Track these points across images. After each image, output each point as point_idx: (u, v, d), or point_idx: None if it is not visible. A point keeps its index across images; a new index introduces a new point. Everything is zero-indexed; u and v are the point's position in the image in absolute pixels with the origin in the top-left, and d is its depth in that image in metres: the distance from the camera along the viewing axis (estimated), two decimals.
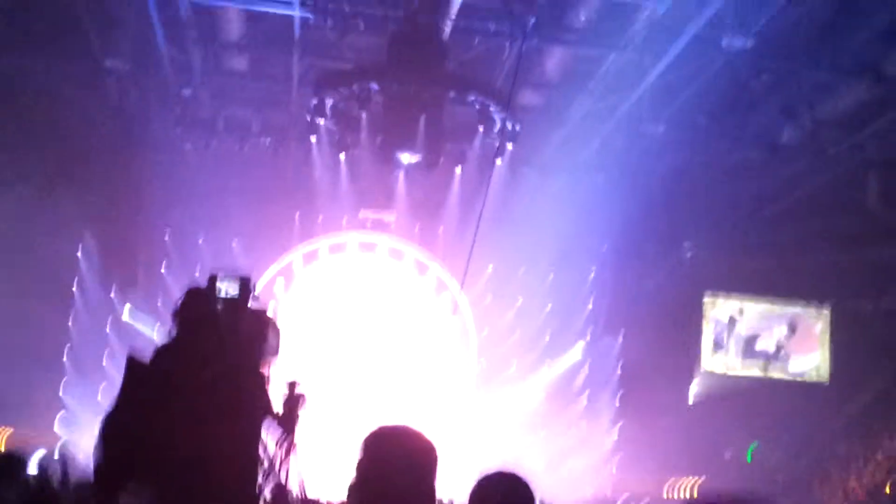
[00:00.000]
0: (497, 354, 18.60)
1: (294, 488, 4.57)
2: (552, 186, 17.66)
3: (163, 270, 17.53)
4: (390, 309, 18.34)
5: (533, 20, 13.36)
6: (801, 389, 19.53)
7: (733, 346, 19.91)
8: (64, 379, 17.12)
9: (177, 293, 4.62)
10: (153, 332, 15.89)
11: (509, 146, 16.05)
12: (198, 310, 4.48)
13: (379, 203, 18.36)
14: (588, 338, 18.91)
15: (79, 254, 17.58)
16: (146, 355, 4.41)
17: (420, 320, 18.45)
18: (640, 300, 17.78)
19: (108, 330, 17.44)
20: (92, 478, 4.31)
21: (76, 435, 15.98)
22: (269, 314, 4.86)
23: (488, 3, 13.72)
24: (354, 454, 2.77)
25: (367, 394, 16.63)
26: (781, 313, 20.01)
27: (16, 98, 15.26)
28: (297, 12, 13.45)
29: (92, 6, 13.78)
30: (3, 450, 13.93)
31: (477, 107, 15.13)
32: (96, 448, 4.17)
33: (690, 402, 19.55)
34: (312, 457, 5.27)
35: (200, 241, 17.71)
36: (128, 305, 17.49)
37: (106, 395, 14.75)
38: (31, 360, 15.72)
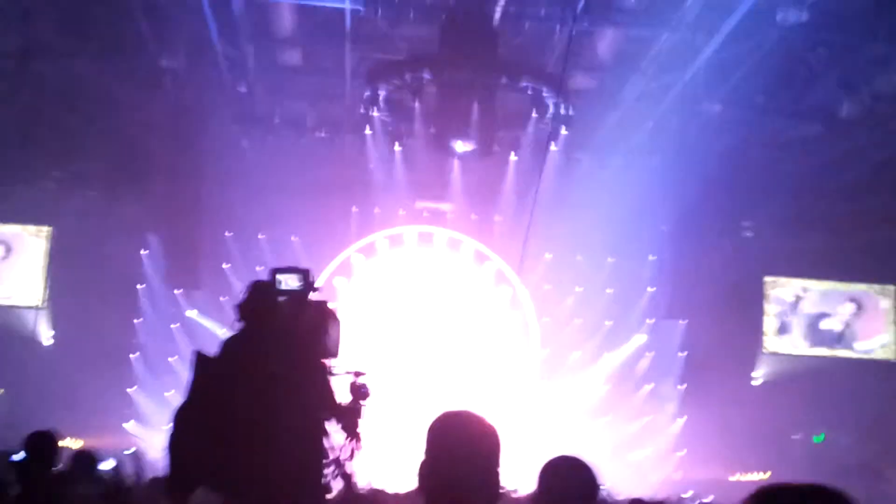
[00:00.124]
0: (558, 343, 18.50)
1: (360, 479, 4.62)
2: (607, 170, 17.51)
3: (225, 267, 17.76)
4: (450, 300, 18.33)
5: (582, 2, 13.26)
6: (869, 368, 19.12)
7: (798, 326, 19.55)
8: (133, 377, 17.45)
9: (239, 289, 4.69)
10: (218, 329, 16.13)
11: (563, 131, 15.97)
12: (261, 302, 4.54)
13: (434, 193, 18.38)
14: (650, 323, 18.72)
15: (143, 254, 17.88)
16: (212, 351, 4.49)
17: (480, 311, 18.42)
18: (701, 283, 17.52)
19: (174, 328, 17.76)
20: (164, 474, 4.39)
21: (147, 432, 16.32)
22: (330, 307, 4.90)
23: None
24: (420, 441, 2.80)
25: (430, 385, 16.63)
26: (845, 292, 19.63)
27: (76, 103, 15.59)
28: (347, 5, 13.52)
29: (146, 7, 13.99)
30: (78, 446, 14.28)
31: (529, 92, 15.08)
32: (169, 445, 4.26)
33: (755, 384, 19.26)
34: (377, 448, 5.31)
35: (260, 238, 17.91)
36: (193, 306, 17.78)
37: (174, 392, 15.01)
38: (100, 361, 15.97)
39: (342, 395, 4.66)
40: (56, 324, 18.00)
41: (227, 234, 17.92)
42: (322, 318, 4.75)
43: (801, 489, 2.01)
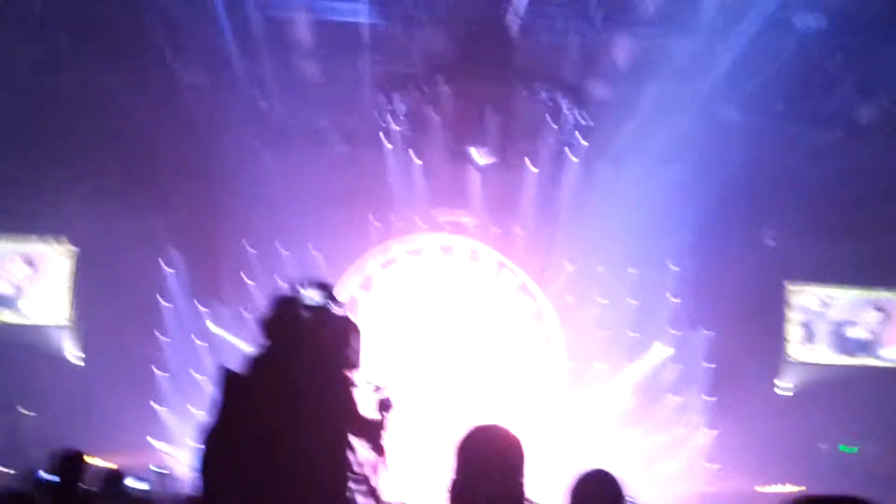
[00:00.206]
0: (583, 354, 18.34)
1: (384, 493, 4.61)
2: (627, 179, 17.43)
3: (245, 279, 17.84)
4: (471, 312, 18.30)
5: (600, 13, 13.28)
6: None
7: (823, 334, 19.42)
8: (158, 394, 17.43)
9: (260, 301, 4.71)
10: (240, 341, 16.18)
11: (582, 141, 15.96)
12: (285, 319, 4.55)
13: (454, 203, 18.37)
14: (674, 333, 18.64)
15: (164, 267, 17.96)
16: (236, 365, 4.50)
17: (502, 322, 18.38)
18: (724, 293, 17.43)
19: (197, 341, 17.82)
20: (191, 492, 4.40)
21: (172, 447, 16.37)
22: (353, 321, 4.91)
23: None
24: (448, 457, 2.80)
25: (453, 397, 16.62)
26: (870, 299, 19.48)
27: (98, 119, 15.67)
28: (365, 18, 13.59)
29: (166, 22, 14.10)
30: (106, 465, 14.36)
31: (548, 102, 15.09)
32: (200, 466, 4.26)
33: (782, 394, 19.12)
34: (401, 461, 5.30)
35: (280, 249, 17.98)
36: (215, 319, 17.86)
37: (199, 406, 15.03)
38: (126, 378, 16.02)
39: (366, 409, 4.66)
40: (82, 342, 18.09)
41: (246, 245, 17.94)
42: (344, 330, 4.75)
43: (833, 501, 2.00)
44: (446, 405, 16.27)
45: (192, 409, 16.08)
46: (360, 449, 4.52)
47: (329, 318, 4.67)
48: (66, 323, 18.09)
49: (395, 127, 15.71)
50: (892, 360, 19.29)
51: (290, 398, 4.24)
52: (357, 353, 4.70)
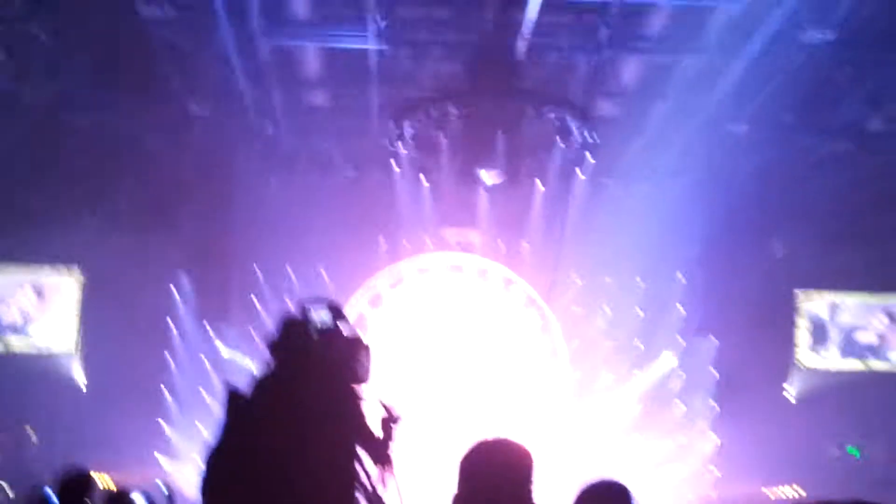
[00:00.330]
0: (589, 364, 18.39)
1: None
2: (635, 194, 17.49)
3: (255, 302, 17.85)
4: (479, 327, 18.33)
5: (606, 33, 13.31)
6: None
7: (833, 340, 19.47)
8: (165, 413, 17.49)
9: (269, 323, 4.71)
10: (249, 363, 16.20)
11: (589, 158, 15.98)
12: (293, 340, 4.56)
13: (462, 222, 18.40)
14: (682, 343, 18.68)
15: (174, 293, 17.98)
16: (244, 386, 4.51)
17: (509, 337, 18.40)
18: (733, 302, 17.48)
19: (205, 363, 17.81)
20: None
21: (179, 467, 16.39)
22: (362, 338, 4.90)
23: (561, 18, 13.65)
24: (454, 470, 2.81)
25: (461, 413, 16.66)
26: (879, 304, 19.54)
27: (108, 150, 15.75)
28: (372, 45, 13.62)
29: (175, 54, 14.11)
30: (111, 486, 14.35)
31: (556, 122, 15.11)
32: (203, 489, 4.27)
33: (791, 400, 19.17)
34: (410, 478, 5.30)
35: (289, 272, 17.99)
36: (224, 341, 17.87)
37: (207, 426, 15.05)
38: (132, 398, 16.07)
39: (375, 426, 4.66)
40: (90, 369, 18.10)
41: (255, 269, 17.95)
42: (353, 346, 4.74)
43: None
44: (455, 420, 16.32)
45: (201, 428, 16.15)
46: (369, 467, 4.52)
47: (337, 337, 4.66)
48: (74, 349, 18.12)
49: (403, 151, 15.70)
50: None
51: (296, 418, 4.23)
52: (365, 367, 4.68)
